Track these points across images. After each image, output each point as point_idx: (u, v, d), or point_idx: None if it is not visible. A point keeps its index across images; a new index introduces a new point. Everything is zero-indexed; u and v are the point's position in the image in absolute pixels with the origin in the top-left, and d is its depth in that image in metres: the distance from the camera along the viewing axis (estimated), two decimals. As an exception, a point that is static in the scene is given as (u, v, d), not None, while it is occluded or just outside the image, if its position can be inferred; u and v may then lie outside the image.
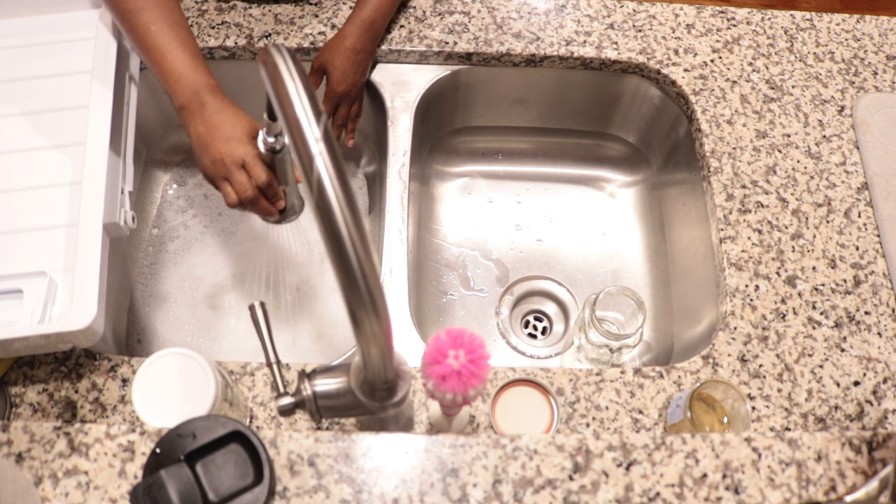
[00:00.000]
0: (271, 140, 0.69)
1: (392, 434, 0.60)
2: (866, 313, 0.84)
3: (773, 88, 0.98)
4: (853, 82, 0.99)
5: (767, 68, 1.00)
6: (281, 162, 0.72)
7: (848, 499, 0.58)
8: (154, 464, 0.53)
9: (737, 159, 0.93)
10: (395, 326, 0.50)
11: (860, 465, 0.60)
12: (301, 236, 1.03)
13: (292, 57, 0.48)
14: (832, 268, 0.86)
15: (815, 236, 0.88)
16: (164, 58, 0.72)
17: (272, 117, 0.66)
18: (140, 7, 0.72)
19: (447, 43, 0.99)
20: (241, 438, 0.55)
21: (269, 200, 0.73)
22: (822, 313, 0.84)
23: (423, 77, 1.00)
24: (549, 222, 1.11)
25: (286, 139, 0.70)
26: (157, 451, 0.53)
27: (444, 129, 1.14)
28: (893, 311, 0.84)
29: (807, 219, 0.89)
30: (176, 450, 0.53)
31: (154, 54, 0.72)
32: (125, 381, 0.76)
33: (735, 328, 0.82)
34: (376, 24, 0.93)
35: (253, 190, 0.70)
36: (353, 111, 0.97)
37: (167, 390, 0.64)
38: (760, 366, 0.80)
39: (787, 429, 0.77)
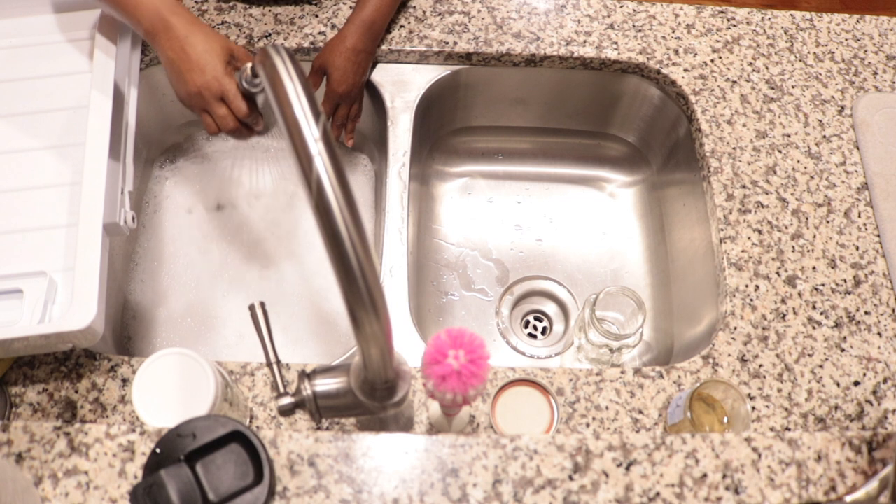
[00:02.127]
0: (247, 86, 0.70)
1: (392, 434, 0.60)
2: (866, 313, 0.84)
3: (773, 88, 0.98)
4: (853, 82, 0.99)
5: (767, 68, 1.00)
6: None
7: (848, 499, 0.58)
8: (154, 464, 0.53)
9: (737, 159, 0.93)
10: (395, 326, 0.50)
11: (860, 465, 0.60)
12: (299, 244, 1.04)
13: (291, 57, 0.48)
14: (832, 268, 0.86)
15: (815, 236, 0.88)
16: None
17: (256, 73, 0.67)
18: None
19: (447, 43, 0.99)
20: (241, 438, 0.55)
21: (248, 127, 0.74)
22: (822, 313, 0.84)
23: (423, 77, 1.00)
24: (549, 222, 1.11)
25: (263, 80, 0.71)
26: (157, 451, 0.53)
27: (444, 129, 1.14)
28: (893, 311, 0.84)
29: (807, 219, 0.89)
30: (176, 450, 0.53)
31: None
32: (125, 381, 0.76)
33: (735, 328, 0.82)
34: (377, 24, 0.93)
35: (234, 122, 0.72)
36: (353, 111, 0.97)
37: (167, 390, 0.64)
38: (760, 366, 0.80)
39: (787, 429, 0.77)
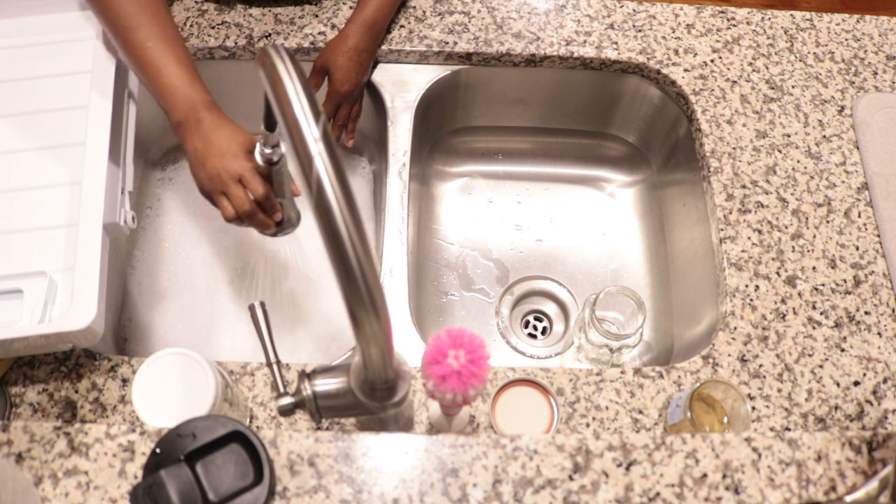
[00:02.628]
0: (268, 151, 0.69)
1: (392, 434, 0.60)
2: (866, 313, 0.84)
3: (773, 88, 0.98)
4: (853, 82, 0.99)
5: (767, 68, 1.00)
6: (278, 174, 0.72)
7: (848, 499, 0.58)
8: (154, 464, 0.53)
9: (737, 159, 0.93)
10: (395, 326, 0.50)
11: (860, 465, 0.60)
12: (298, 248, 1.03)
13: (290, 57, 0.48)
14: (832, 268, 0.86)
15: (815, 236, 0.88)
16: (160, 74, 0.72)
17: (269, 128, 0.66)
18: (136, 24, 0.72)
19: (447, 43, 0.99)
20: (241, 438, 0.55)
21: (267, 213, 0.73)
22: (822, 313, 0.84)
23: (423, 77, 1.00)
24: (549, 222, 1.11)
25: (283, 149, 0.70)
26: (157, 451, 0.53)
27: (444, 129, 1.14)
28: (893, 311, 0.84)
29: (807, 219, 0.89)
30: (176, 450, 0.53)
31: (150, 70, 0.72)
32: (125, 381, 0.76)
33: (735, 328, 0.82)
34: (378, 23, 0.94)
35: (250, 204, 0.70)
36: (354, 111, 0.97)
37: (167, 390, 0.64)
38: (760, 366, 0.80)
39: (787, 429, 0.77)
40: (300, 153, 0.44)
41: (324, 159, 0.43)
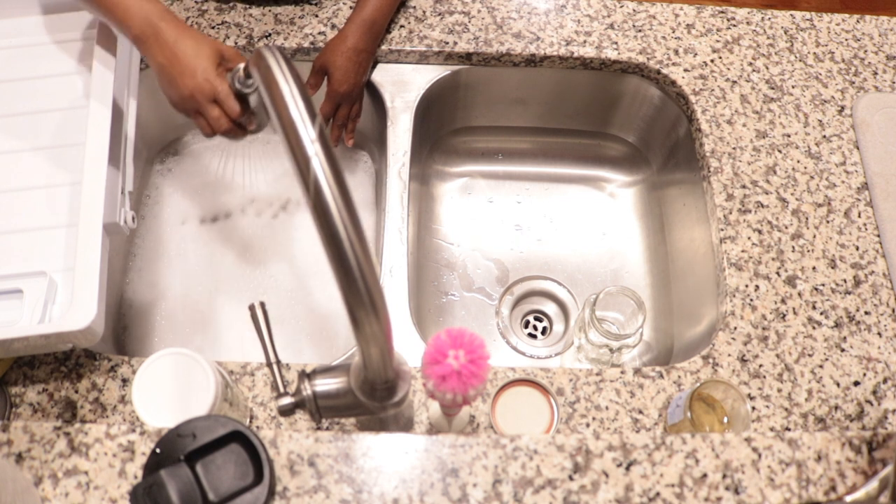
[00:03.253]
0: (240, 86, 0.70)
1: (392, 434, 0.60)
2: (866, 313, 0.84)
3: (773, 88, 0.98)
4: (853, 82, 0.99)
5: (767, 68, 1.00)
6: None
7: (848, 499, 0.58)
8: (154, 464, 0.53)
9: (737, 159, 0.93)
10: (395, 326, 0.50)
11: (860, 465, 0.60)
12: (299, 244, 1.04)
13: (285, 58, 0.48)
14: (832, 268, 0.86)
15: (815, 236, 0.88)
16: None
17: (248, 73, 0.67)
18: None
19: (447, 43, 0.99)
20: (241, 438, 0.55)
21: (242, 127, 0.74)
22: (822, 313, 0.84)
23: (423, 77, 1.00)
24: (549, 222, 1.11)
25: (258, 82, 0.71)
26: (157, 451, 0.53)
27: (444, 129, 1.14)
28: (893, 311, 0.84)
29: (807, 219, 0.89)
30: (176, 450, 0.53)
31: None
32: (125, 381, 0.76)
33: (735, 328, 0.82)
34: (377, 23, 0.93)
35: (228, 123, 0.72)
36: (354, 111, 0.97)
37: (167, 390, 0.64)
38: (760, 366, 0.80)
39: (787, 429, 0.77)
40: (297, 154, 0.44)
41: (321, 160, 0.43)
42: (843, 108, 0.97)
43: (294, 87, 0.46)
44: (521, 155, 1.16)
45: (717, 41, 1.02)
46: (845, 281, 0.86)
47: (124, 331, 0.96)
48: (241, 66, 0.70)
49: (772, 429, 0.77)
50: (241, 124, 0.73)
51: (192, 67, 0.69)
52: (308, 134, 0.44)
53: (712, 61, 1.00)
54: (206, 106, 0.71)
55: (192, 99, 0.70)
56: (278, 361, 0.61)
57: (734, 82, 0.98)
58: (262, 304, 0.63)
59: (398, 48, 0.99)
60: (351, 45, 0.91)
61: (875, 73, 1.00)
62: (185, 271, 1.01)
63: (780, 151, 0.94)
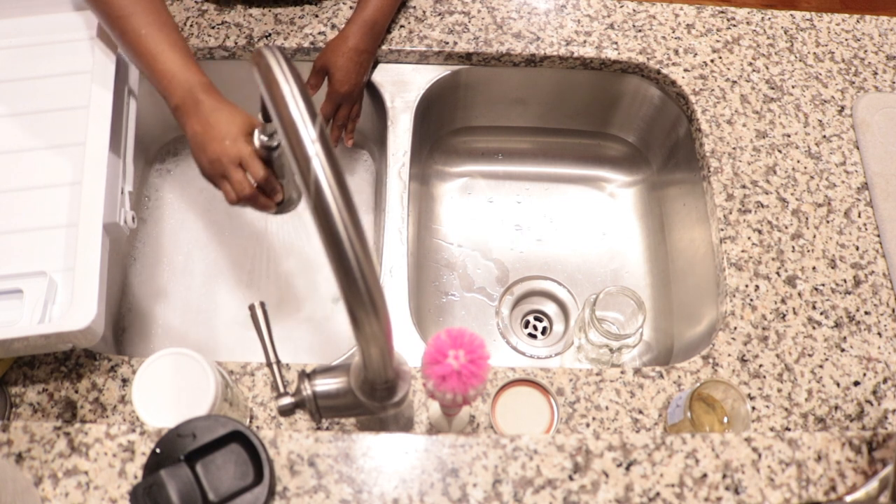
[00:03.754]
0: (266, 139, 0.70)
1: (392, 434, 0.60)
2: (866, 313, 0.84)
3: (773, 88, 0.98)
4: (853, 82, 0.99)
5: (767, 68, 1.00)
6: (277, 156, 0.72)
7: (848, 499, 0.58)
8: (154, 464, 0.53)
9: (737, 159, 0.93)
10: (395, 326, 0.50)
11: (860, 465, 0.60)
12: (304, 231, 1.04)
13: (286, 58, 0.48)
14: (832, 268, 0.86)
15: (815, 236, 0.88)
16: (156, 60, 0.72)
17: (266, 118, 0.67)
18: (129, 12, 0.73)
19: (447, 43, 0.99)
20: (241, 438, 0.55)
21: (267, 195, 0.74)
22: (822, 313, 0.84)
23: (423, 77, 1.00)
24: (549, 222, 1.11)
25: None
26: (157, 451, 0.53)
27: (444, 129, 1.14)
28: (893, 311, 0.84)
29: (807, 219, 0.89)
30: (176, 450, 0.53)
31: (146, 57, 0.73)
32: (125, 381, 0.76)
33: (735, 328, 0.82)
34: (378, 24, 0.93)
35: (251, 188, 0.71)
36: (354, 111, 0.97)
37: (167, 390, 0.64)
38: (760, 366, 0.80)
39: (787, 429, 0.77)
40: (297, 154, 0.44)
41: (321, 160, 0.43)
42: (843, 108, 0.97)
43: (294, 87, 0.46)
44: (521, 155, 1.16)
45: (717, 41, 1.02)
46: (845, 281, 0.86)
47: (124, 331, 0.96)
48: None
49: (772, 429, 0.77)
50: (265, 191, 0.73)
51: (223, 134, 0.70)
52: (308, 134, 0.44)
53: (712, 61, 1.00)
54: (231, 169, 0.71)
55: (219, 162, 0.70)
56: (278, 361, 0.62)
57: (734, 82, 0.98)
58: (262, 304, 0.63)
59: (398, 48, 0.99)
60: (352, 45, 0.91)
61: (875, 73, 1.00)
62: (184, 271, 1.01)
63: (780, 151, 0.94)
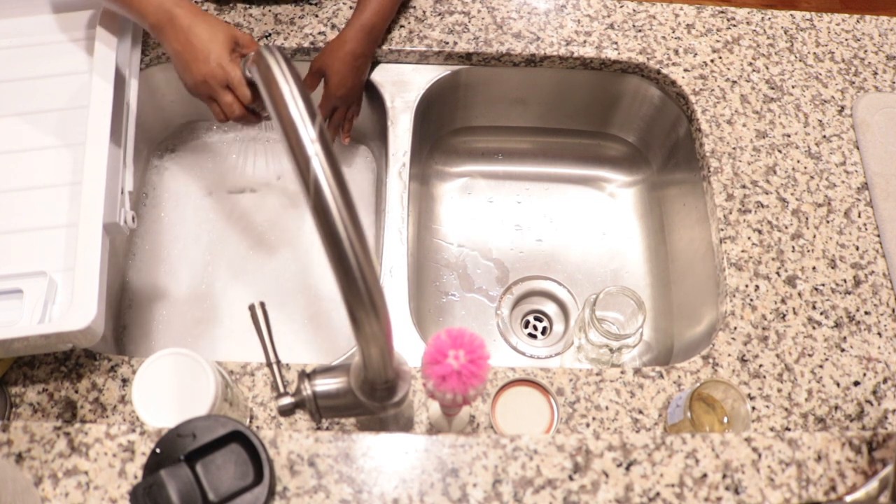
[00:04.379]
0: (252, 74, 0.71)
1: (392, 434, 0.60)
2: (866, 313, 0.84)
3: (773, 88, 0.98)
4: (853, 82, 0.99)
5: (767, 68, 1.00)
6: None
7: (848, 499, 0.58)
8: (154, 464, 0.53)
9: (737, 159, 0.93)
10: (395, 326, 0.50)
11: (860, 465, 0.60)
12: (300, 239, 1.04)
13: (285, 58, 0.48)
14: (832, 268, 0.86)
15: (815, 236, 0.88)
16: None
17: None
18: None
19: (447, 43, 0.99)
20: (241, 438, 0.55)
21: (255, 113, 0.75)
22: (822, 313, 0.84)
23: (423, 77, 1.00)
24: (549, 222, 1.11)
25: (260, 85, 0.72)
26: (157, 451, 0.53)
27: (444, 129, 1.14)
28: (893, 311, 0.84)
29: (807, 219, 0.89)
30: (176, 450, 0.53)
31: None
32: (125, 381, 0.76)
33: (735, 328, 0.82)
34: (376, 28, 0.93)
35: (240, 109, 0.73)
36: (351, 113, 0.97)
37: (167, 390, 0.64)
38: (760, 366, 0.80)
39: (787, 429, 0.77)
40: (297, 154, 0.44)
41: (321, 160, 0.43)
42: (843, 108, 0.97)
43: (294, 86, 0.46)
44: (521, 155, 1.16)
45: (717, 41, 1.02)
46: (845, 281, 0.86)
47: (124, 331, 0.96)
48: (253, 52, 0.71)
49: (772, 429, 0.77)
50: (254, 110, 0.74)
51: (206, 53, 0.70)
52: (308, 134, 0.44)
53: (712, 61, 1.00)
54: (219, 91, 0.72)
55: (205, 84, 0.72)
56: (278, 361, 0.61)
57: (734, 82, 0.98)
58: (262, 304, 0.63)
59: (398, 48, 0.99)
60: (349, 49, 0.90)
61: (875, 73, 1.00)
62: (184, 271, 1.01)
63: (780, 151, 0.94)
